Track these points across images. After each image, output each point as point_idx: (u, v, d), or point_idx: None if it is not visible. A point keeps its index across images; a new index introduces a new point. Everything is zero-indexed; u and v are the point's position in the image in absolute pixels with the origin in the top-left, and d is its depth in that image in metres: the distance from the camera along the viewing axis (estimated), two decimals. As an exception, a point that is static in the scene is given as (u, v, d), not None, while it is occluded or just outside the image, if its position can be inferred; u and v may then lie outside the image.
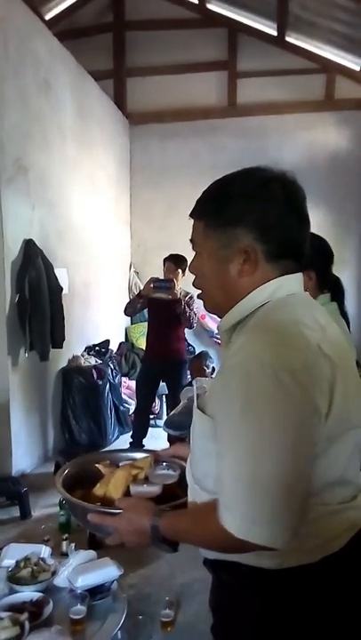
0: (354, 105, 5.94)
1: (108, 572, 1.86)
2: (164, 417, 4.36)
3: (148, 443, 4.02)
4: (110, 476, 1.27)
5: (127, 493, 1.21)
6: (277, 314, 0.91)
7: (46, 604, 1.74)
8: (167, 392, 4.20)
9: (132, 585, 2.46)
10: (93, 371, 4.53)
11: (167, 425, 3.03)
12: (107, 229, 5.67)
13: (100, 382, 4.51)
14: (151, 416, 4.48)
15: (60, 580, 1.86)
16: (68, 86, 4.59)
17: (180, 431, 2.75)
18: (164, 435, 3.48)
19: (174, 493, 1.18)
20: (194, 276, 1.04)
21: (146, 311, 4.11)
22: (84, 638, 1.68)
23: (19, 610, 1.70)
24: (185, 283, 3.56)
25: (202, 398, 1.01)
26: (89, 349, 4.99)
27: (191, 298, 3.82)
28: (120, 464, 1.34)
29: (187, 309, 3.82)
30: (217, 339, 5.53)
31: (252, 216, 0.92)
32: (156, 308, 3.93)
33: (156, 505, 1.05)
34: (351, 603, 0.95)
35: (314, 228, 1.12)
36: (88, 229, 5.07)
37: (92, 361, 4.72)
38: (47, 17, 5.65)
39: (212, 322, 5.82)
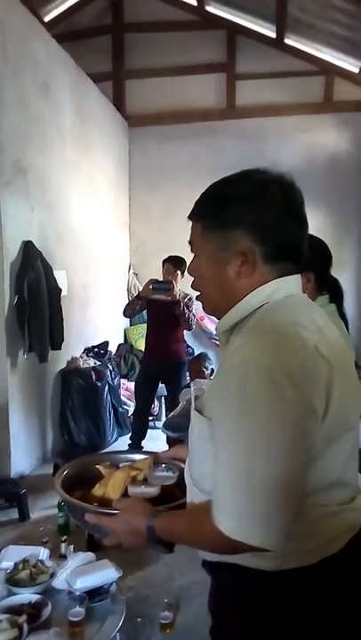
0: (353, 107, 5.95)
1: (106, 574, 1.86)
2: (163, 418, 4.35)
3: (147, 444, 4.02)
4: (109, 476, 1.27)
5: (126, 494, 1.21)
6: (275, 315, 0.91)
7: (45, 606, 1.74)
8: (166, 393, 4.20)
9: (130, 587, 2.46)
10: (92, 372, 4.52)
11: (166, 426, 3.02)
12: (106, 231, 5.67)
13: (99, 384, 4.51)
14: (150, 418, 4.48)
15: (59, 582, 1.86)
16: (67, 88, 4.60)
17: (178, 433, 2.74)
18: (163, 436, 3.48)
19: (173, 495, 1.18)
20: (192, 278, 1.04)
21: (145, 313, 4.11)
22: (83, 640, 1.68)
23: (17, 612, 1.69)
24: (184, 284, 3.56)
25: (200, 400, 1.01)
26: (88, 351, 4.99)
27: (190, 299, 3.82)
28: (120, 465, 1.34)
29: (186, 311, 3.83)
30: (216, 340, 5.53)
31: (250, 218, 0.93)
32: (155, 309, 3.93)
33: (152, 506, 1.05)
34: (351, 604, 0.95)
35: (313, 230, 1.12)
36: (87, 231, 5.07)
37: (91, 362, 4.72)
38: (46, 19, 5.66)
39: (210, 323, 5.83)
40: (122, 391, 5.08)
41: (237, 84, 6.19)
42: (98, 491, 1.24)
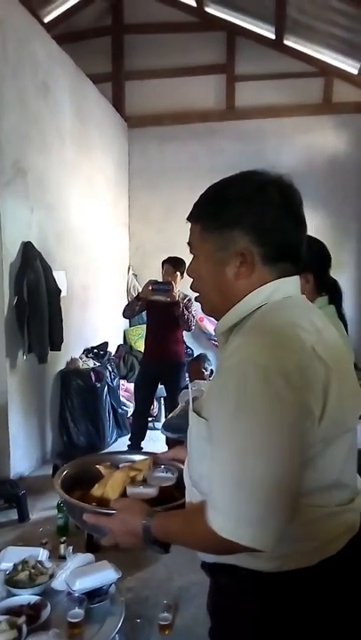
0: (352, 108, 5.95)
1: (105, 575, 1.85)
2: (163, 419, 4.35)
3: (147, 445, 4.01)
4: (109, 476, 1.27)
5: (124, 494, 1.21)
6: (274, 316, 0.91)
7: (44, 608, 1.74)
8: (165, 394, 4.20)
9: (130, 588, 2.46)
10: (92, 373, 4.52)
11: (165, 427, 3.03)
12: (105, 232, 5.67)
13: (99, 385, 4.51)
14: (149, 419, 4.48)
15: (58, 584, 1.86)
16: (66, 89, 4.60)
17: (178, 434, 2.75)
18: (163, 437, 3.48)
19: (171, 496, 1.19)
20: (192, 279, 1.04)
21: (144, 314, 4.11)
22: (82, 642, 1.67)
23: (16, 613, 1.69)
24: (183, 285, 3.57)
25: (198, 401, 1.02)
26: (87, 352, 4.99)
27: (190, 300, 3.83)
28: (120, 466, 1.34)
29: (185, 312, 3.83)
30: (215, 341, 5.53)
31: (249, 219, 0.93)
32: (155, 310, 3.93)
33: (149, 507, 1.05)
34: (350, 606, 0.95)
35: (312, 231, 1.12)
36: (87, 232, 5.08)
37: (91, 363, 4.72)
38: (46, 20, 5.66)
39: (210, 324, 5.83)
40: (121, 392, 5.08)
41: (237, 85, 6.20)
42: (97, 491, 1.24)
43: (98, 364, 4.77)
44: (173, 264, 3.87)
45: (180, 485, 1.12)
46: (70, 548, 2.25)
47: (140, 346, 5.34)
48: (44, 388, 4.25)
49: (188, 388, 3.57)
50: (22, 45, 3.81)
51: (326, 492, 0.91)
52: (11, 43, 3.64)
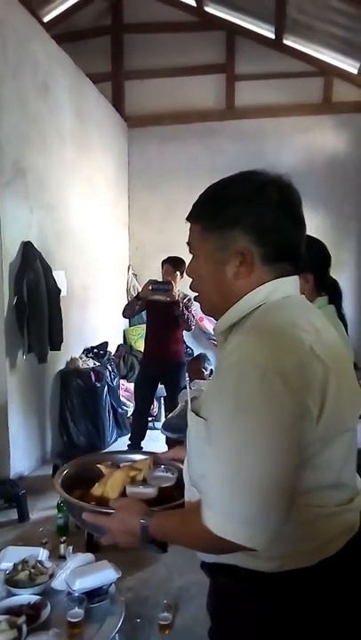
0: (352, 108, 5.96)
1: (105, 574, 1.86)
2: (163, 419, 4.35)
3: (147, 445, 4.01)
4: (109, 476, 1.27)
5: (124, 494, 1.21)
6: (273, 316, 0.92)
7: (44, 607, 1.74)
8: (165, 394, 4.20)
9: (130, 588, 2.46)
10: (92, 373, 4.52)
11: (165, 427, 3.03)
12: (105, 232, 5.67)
13: (99, 385, 4.51)
14: (149, 418, 4.48)
15: (58, 583, 1.86)
16: (66, 89, 4.60)
17: (178, 434, 2.75)
18: (163, 437, 3.48)
19: (171, 496, 1.19)
20: (191, 279, 1.04)
21: (144, 313, 4.11)
22: (82, 641, 1.67)
23: (16, 613, 1.69)
24: (183, 285, 3.57)
25: (197, 401, 1.02)
26: (87, 352, 4.99)
27: (190, 300, 3.83)
28: (120, 465, 1.35)
29: (185, 312, 3.83)
30: (215, 341, 5.53)
31: (249, 219, 0.93)
32: (155, 310, 3.93)
33: (148, 506, 1.05)
34: (350, 606, 0.95)
35: (311, 231, 1.12)
36: (86, 232, 5.08)
37: (91, 363, 4.72)
38: (45, 19, 5.66)
39: (210, 324, 5.83)
40: (121, 392, 5.08)
41: (236, 84, 6.20)
42: (97, 490, 1.25)
43: (98, 363, 4.77)
44: (173, 264, 3.87)
45: (179, 485, 1.12)
46: (70, 547, 2.25)
47: (140, 345, 5.34)
48: (43, 387, 4.25)
49: (187, 387, 3.58)
50: (22, 45, 3.81)
51: (326, 491, 0.91)
52: (10, 43, 3.64)
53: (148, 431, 4.20)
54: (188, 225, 1.02)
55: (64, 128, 4.58)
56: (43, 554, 2.06)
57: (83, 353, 4.93)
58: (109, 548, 1.08)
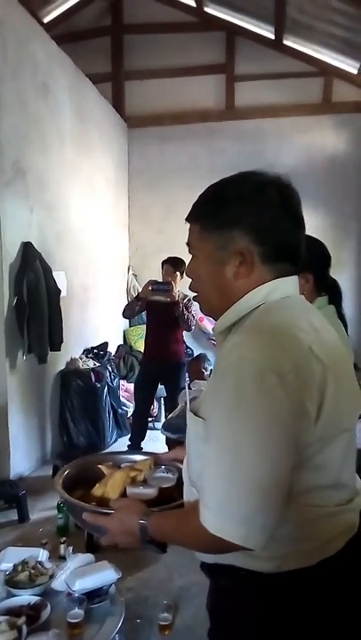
0: (352, 108, 5.96)
1: (105, 575, 1.85)
2: (163, 420, 4.35)
3: (147, 445, 4.01)
4: (110, 476, 1.27)
5: (125, 494, 1.21)
6: (272, 316, 0.92)
7: (44, 608, 1.74)
8: (165, 395, 4.20)
9: (130, 588, 2.46)
10: (92, 373, 4.52)
11: (165, 428, 3.03)
12: (105, 232, 5.67)
13: (99, 385, 4.51)
14: (150, 419, 4.48)
15: (58, 584, 1.86)
16: (66, 89, 4.60)
17: (178, 434, 2.75)
18: (163, 437, 3.48)
19: (171, 496, 1.19)
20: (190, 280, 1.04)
21: (144, 314, 4.11)
22: (82, 642, 1.67)
23: (16, 613, 1.69)
24: (183, 285, 3.57)
25: (196, 401, 1.02)
26: (87, 352, 4.99)
27: (190, 300, 3.82)
28: (121, 466, 1.35)
29: (185, 312, 3.83)
30: (215, 341, 5.53)
31: (249, 219, 0.93)
32: (155, 310, 3.93)
33: (148, 507, 1.06)
34: (350, 607, 0.95)
35: (311, 231, 1.12)
36: (86, 232, 5.08)
37: (91, 364, 4.72)
38: (45, 20, 5.67)
39: (210, 324, 5.82)
40: (121, 392, 5.07)
41: (236, 85, 6.20)
42: (97, 490, 1.25)
43: (98, 364, 4.77)
44: (173, 264, 3.87)
45: (180, 486, 1.12)
46: (70, 548, 2.25)
47: (140, 346, 5.34)
48: (43, 388, 4.25)
49: (187, 388, 3.58)
50: (22, 46, 3.81)
51: (325, 491, 0.91)
52: (10, 43, 3.64)
53: (148, 432, 4.20)
54: (188, 225, 1.02)
55: (64, 128, 4.58)
56: (43, 554, 2.06)
57: (83, 353, 4.93)
58: (109, 549, 1.09)
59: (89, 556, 1.98)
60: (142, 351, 4.58)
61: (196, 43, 6.16)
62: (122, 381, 5.27)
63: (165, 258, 3.98)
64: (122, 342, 6.23)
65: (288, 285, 0.96)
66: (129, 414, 4.79)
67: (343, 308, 1.86)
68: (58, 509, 2.93)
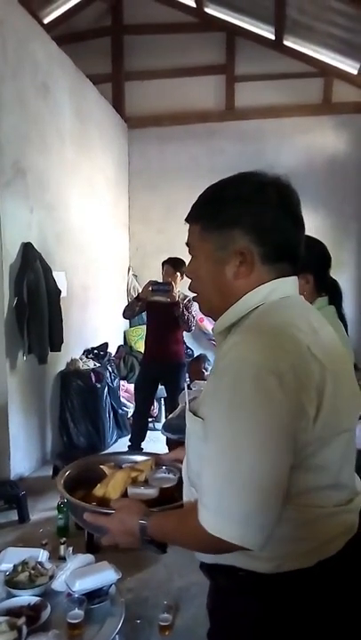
0: (352, 108, 5.96)
1: (105, 575, 1.85)
2: (163, 420, 4.35)
3: (147, 446, 4.01)
4: (111, 477, 1.27)
5: (126, 495, 1.21)
6: (271, 316, 0.92)
7: (44, 609, 1.74)
8: (166, 395, 4.20)
9: (130, 589, 2.46)
10: (92, 374, 4.52)
11: (165, 428, 3.03)
12: (105, 232, 5.68)
13: (99, 385, 4.51)
14: (150, 419, 4.48)
15: (58, 584, 1.85)
16: (66, 90, 4.60)
17: (178, 434, 2.75)
18: (163, 438, 3.48)
19: (171, 497, 1.19)
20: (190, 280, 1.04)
21: (144, 314, 4.11)
22: (82, 643, 1.67)
23: (16, 614, 1.69)
24: (183, 286, 3.56)
25: (195, 401, 1.02)
26: (87, 352, 4.99)
27: (190, 301, 3.83)
28: (122, 466, 1.35)
29: (185, 312, 3.83)
30: (215, 341, 5.53)
31: (249, 219, 0.93)
32: (155, 311, 3.93)
33: (149, 507, 1.06)
34: (349, 607, 0.95)
35: (312, 232, 1.12)
36: (87, 232, 5.08)
37: (91, 364, 4.72)
38: (45, 21, 5.67)
39: (210, 325, 5.83)
40: (121, 393, 5.07)
41: (236, 85, 6.20)
42: (99, 491, 1.25)
43: (98, 364, 4.77)
44: (173, 265, 3.87)
45: (180, 486, 1.12)
46: (70, 548, 2.24)
47: (141, 346, 5.34)
48: (44, 388, 4.25)
49: (188, 388, 3.58)
50: (22, 46, 3.81)
51: (324, 492, 0.91)
52: (10, 43, 3.64)
53: (148, 432, 4.20)
54: (188, 226, 1.02)
55: (64, 128, 4.58)
56: (43, 555, 2.06)
57: (83, 354, 4.93)
58: (109, 549, 1.09)
59: (89, 557, 1.98)
60: (142, 351, 4.58)
61: (196, 43, 6.17)
62: (122, 382, 5.27)
63: (166, 258, 3.98)
64: (122, 343, 6.23)
65: (288, 286, 0.96)
66: (129, 415, 4.79)
67: (343, 309, 1.86)
68: (58, 510, 2.93)
